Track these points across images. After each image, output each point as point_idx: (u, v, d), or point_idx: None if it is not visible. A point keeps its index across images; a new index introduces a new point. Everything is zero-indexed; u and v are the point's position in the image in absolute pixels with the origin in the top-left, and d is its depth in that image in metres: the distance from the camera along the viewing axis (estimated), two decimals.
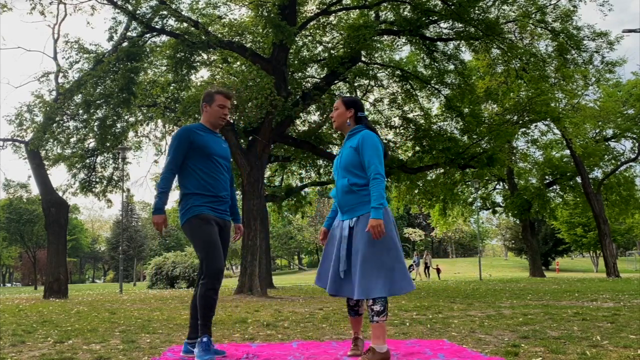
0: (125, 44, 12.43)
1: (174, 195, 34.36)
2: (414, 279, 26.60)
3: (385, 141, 16.29)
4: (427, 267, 30.75)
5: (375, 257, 3.14)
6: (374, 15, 14.90)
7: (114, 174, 16.73)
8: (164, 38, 13.23)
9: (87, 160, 15.59)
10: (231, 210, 3.81)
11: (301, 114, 14.44)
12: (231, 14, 16.85)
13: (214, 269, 3.43)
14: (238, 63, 15.14)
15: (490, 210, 31.48)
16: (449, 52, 15.19)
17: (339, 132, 16.18)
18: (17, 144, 14.58)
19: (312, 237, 64.61)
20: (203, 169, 3.58)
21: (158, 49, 13.26)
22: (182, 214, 3.56)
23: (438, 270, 32.46)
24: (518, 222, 33.45)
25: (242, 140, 13.03)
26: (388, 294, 3.11)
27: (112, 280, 70.84)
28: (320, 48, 15.85)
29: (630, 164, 25.99)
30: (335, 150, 16.92)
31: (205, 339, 3.40)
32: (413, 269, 30.15)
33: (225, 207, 3.70)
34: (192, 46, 11.60)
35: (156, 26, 12.27)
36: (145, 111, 15.42)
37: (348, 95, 3.39)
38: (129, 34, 12.73)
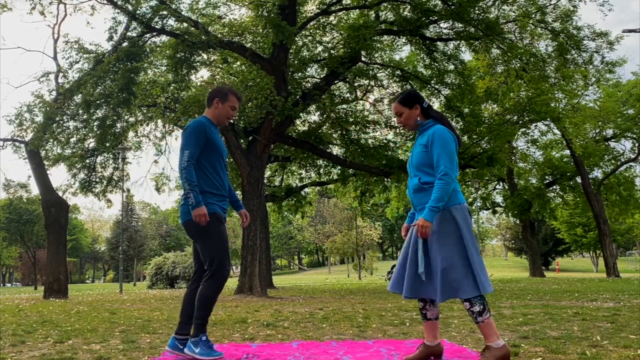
0: (125, 44, 12.42)
1: (174, 196, 34.23)
2: None
3: (385, 141, 16.25)
4: None
5: (456, 257, 3.01)
6: (374, 15, 14.89)
7: (114, 174, 16.73)
8: (164, 38, 13.22)
9: (87, 160, 15.60)
10: (233, 199, 3.85)
11: (301, 114, 14.43)
12: (231, 14, 16.77)
13: (225, 274, 3.51)
14: (238, 63, 15.13)
15: (490, 210, 31.47)
16: (449, 52, 15.17)
17: (339, 132, 16.17)
18: (17, 144, 14.60)
19: (312, 237, 64.58)
20: (214, 167, 3.59)
21: (158, 49, 13.24)
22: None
23: None
24: (518, 222, 33.45)
25: (242, 140, 13.03)
26: (481, 291, 2.97)
27: (112, 280, 70.86)
28: (320, 48, 15.84)
29: (630, 164, 26.01)
30: (335, 150, 16.90)
31: (204, 338, 3.44)
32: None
33: (227, 205, 3.75)
34: (192, 46, 11.60)
35: (156, 26, 12.27)
36: (145, 111, 15.42)
37: (401, 92, 3.20)
38: (129, 34, 12.72)
